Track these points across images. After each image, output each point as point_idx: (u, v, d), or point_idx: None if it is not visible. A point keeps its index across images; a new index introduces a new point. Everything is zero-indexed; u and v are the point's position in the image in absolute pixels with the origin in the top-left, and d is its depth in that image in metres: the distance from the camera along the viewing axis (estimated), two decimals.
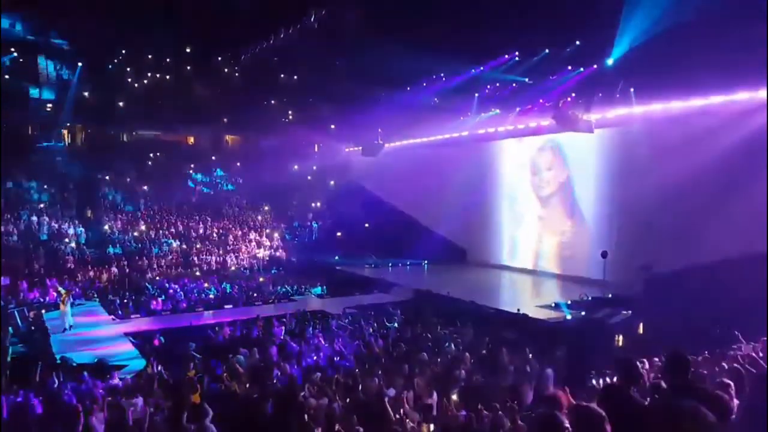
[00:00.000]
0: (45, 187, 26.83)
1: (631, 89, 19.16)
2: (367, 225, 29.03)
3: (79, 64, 28.90)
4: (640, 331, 14.09)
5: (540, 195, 23.86)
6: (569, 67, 21.73)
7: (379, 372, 9.81)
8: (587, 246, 21.43)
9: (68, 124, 30.88)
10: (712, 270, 14.99)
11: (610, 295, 17.83)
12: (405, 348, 12.00)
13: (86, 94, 30.76)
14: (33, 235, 23.49)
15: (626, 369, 4.07)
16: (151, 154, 32.45)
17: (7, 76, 29.58)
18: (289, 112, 35.77)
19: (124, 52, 29.92)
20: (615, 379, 9.40)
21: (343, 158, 34.64)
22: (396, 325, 14.85)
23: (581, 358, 11.08)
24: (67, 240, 23.71)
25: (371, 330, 14.24)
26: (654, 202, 17.99)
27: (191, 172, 32.01)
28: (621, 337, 13.40)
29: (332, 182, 33.21)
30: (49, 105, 30.65)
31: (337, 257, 26.34)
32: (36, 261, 21.72)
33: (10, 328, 14.78)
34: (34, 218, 24.39)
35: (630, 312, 15.47)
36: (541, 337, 13.31)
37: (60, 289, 16.70)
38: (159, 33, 26.49)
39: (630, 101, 19.06)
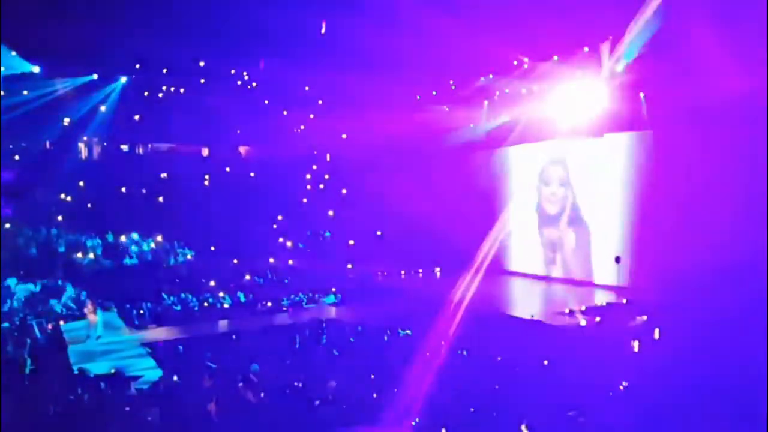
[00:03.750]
0: (63, 198, 27.24)
1: (641, 94, 19.16)
2: (379, 233, 29.11)
3: (95, 76, 29.34)
4: (656, 336, 14.01)
5: (551, 200, 23.77)
6: (578, 72, 21.66)
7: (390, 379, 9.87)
8: (600, 252, 21.33)
9: (85, 138, 31.37)
10: (726, 272, 14.92)
11: (624, 301, 17.75)
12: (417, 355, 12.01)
13: (102, 108, 31.23)
14: (51, 247, 23.90)
15: None
16: (167, 166, 32.78)
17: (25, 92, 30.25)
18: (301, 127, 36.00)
19: (138, 66, 30.29)
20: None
21: (354, 165, 34.84)
22: (409, 332, 14.86)
23: (597, 365, 11.06)
24: (84, 251, 24.08)
25: (385, 338, 14.28)
26: (666, 206, 17.91)
27: (205, 182, 32.30)
28: (637, 343, 13.33)
29: (344, 190, 33.34)
30: (67, 118, 31.18)
31: (349, 265, 26.39)
32: (55, 272, 22.06)
33: (28, 340, 15.02)
34: (54, 230, 24.85)
35: (646, 317, 15.40)
36: (556, 344, 13.27)
37: (87, 301, 16.91)
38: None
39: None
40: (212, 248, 26.25)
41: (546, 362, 11.18)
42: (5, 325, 16.40)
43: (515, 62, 23.09)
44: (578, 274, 22.39)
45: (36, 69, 26.65)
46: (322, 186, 33.65)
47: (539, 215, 24.49)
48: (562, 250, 23.21)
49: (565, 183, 23.07)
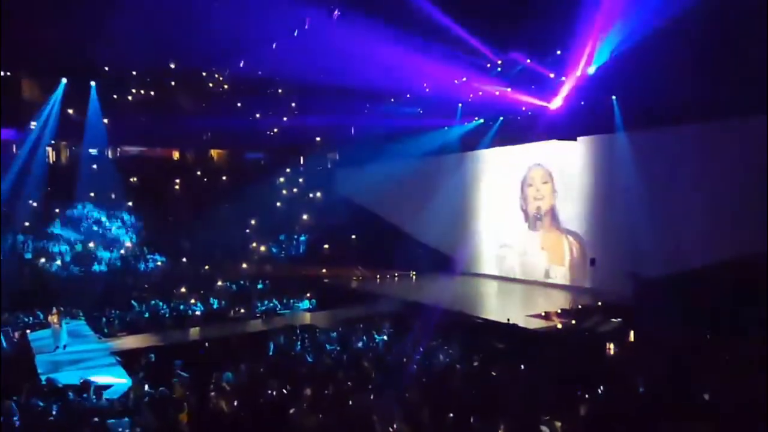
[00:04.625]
0: (29, 205, 26.50)
1: (613, 97, 19.43)
2: (354, 237, 29.01)
3: (63, 80, 28.73)
4: (631, 338, 14.15)
5: (527, 203, 23.94)
6: (551, 76, 21.97)
7: (369, 386, 9.74)
8: (575, 253, 21.54)
9: (52, 142, 30.66)
10: (700, 274, 15.19)
11: (599, 303, 17.92)
12: (395, 361, 11.93)
13: (70, 111, 30.58)
14: (18, 254, 23.23)
15: None
16: (136, 170, 32.20)
17: None
18: (275, 129, 35.79)
19: (107, 68, 29.73)
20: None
21: (329, 169, 34.75)
22: (385, 337, 14.77)
23: (572, 368, 11.10)
24: (51, 258, 23.45)
25: (360, 343, 14.15)
26: (641, 209, 18.16)
27: (176, 187, 31.77)
28: (612, 345, 13.44)
29: (318, 194, 33.18)
30: (33, 123, 30.44)
31: (324, 270, 26.22)
32: (21, 280, 21.43)
33: None
34: (20, 237, 24.16)
35: (620, 319, 15.56)
36: (531, 346, 13.30)
37: (53, 309, 16.35)
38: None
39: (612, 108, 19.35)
40: (183, 254, 25.77)
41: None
42: None
43: (488, 65, 23.24)
44: (553, 277, 22.57)
45: None
46: (295, 190, 33.44)
47: (514, 217, 24.63)
48: (540, 252, 23.37)
49: (545, 185, 23.21)
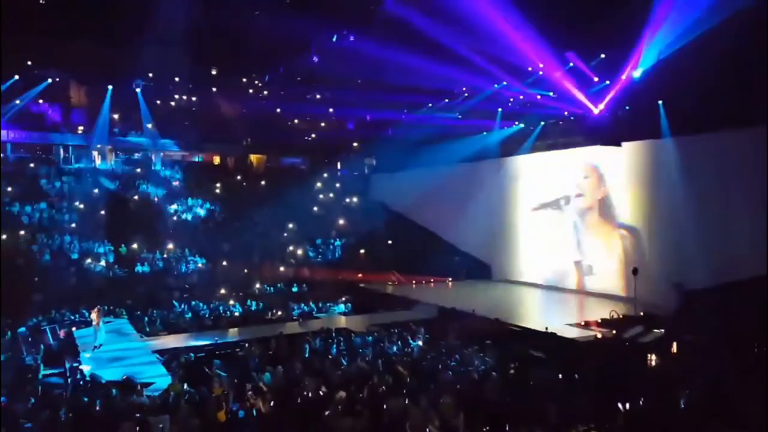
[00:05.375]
0: (76, 206, 27.44)
1: (660, 102, 18.93)
2: (390, 242, 29.03)
3: (110, 87, 29.73)
4: (674, 350, 13.72)
5: (567, 210, 23.50)
6: (596, 80, 21.56)
7: (404, 391, 9.69)
8: (617, 262, 21.04)
9: (98, 146, 31.73)
10: (747, 286, 14.64)
11: (641, 313, 17.45)
12: (430, 367, 11.85)
13: (116, 116, 31.66)
14: (65, 254, 24.06)
15: None
16: (178, 174, 33.04)
17: (41, 101, 30.68)
18: (312, 134, 36.24)
19: (151, 75, 30.61)
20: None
21: (366, 175, 34.92)
22: (420, 343, 14.69)
23: (612, 379, 10.82)
24: (96, 259, 24.20)
25: (395, 348, 14.11)
26: (686, 217, 17.64)
27: (216, 191, 32.39)
28: (654, 357, 13.05)
29: (355, 199, 33.35)
30: (81, 127, 31.61)
31: (360, 274, 26.32)
32: (67, 279, 22.17)
33: (41, 346, 15.05)
34: (67, 237, 25.03)
35: (663, 330, 15.11)
36: (570, 356, 13.03)
37: (95, 308, 16.85)
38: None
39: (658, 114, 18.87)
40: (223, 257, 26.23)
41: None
42: (21, 330, 16.49)
43: (530, 68, 22.94)
44: (594, 285, 22.08)
45: None
46: (332, 195, 33.67)
47: (552, 224, 24.21)
48: (577, 261, 22.92)
49: (582, 192, 22.76)
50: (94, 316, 16.02)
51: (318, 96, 34.45)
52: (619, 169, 20.93)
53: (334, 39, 27.12)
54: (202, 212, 30.23)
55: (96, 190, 28.96)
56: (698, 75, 16.33)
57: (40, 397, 10.18)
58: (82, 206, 27.37)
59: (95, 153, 32.01)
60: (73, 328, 17.45)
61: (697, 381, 10.18)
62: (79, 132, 31.53)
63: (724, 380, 10.26)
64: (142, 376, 12.51)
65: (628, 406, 9.06)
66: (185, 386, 10.53)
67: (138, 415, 8.73)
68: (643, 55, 18.80)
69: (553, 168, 24.07)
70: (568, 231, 23.33)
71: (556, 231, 23.92)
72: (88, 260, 23.87)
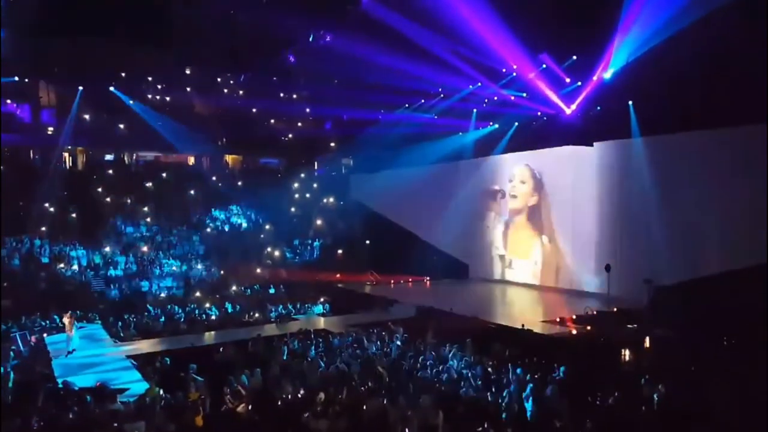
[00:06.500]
0: (46, 209, 26.85)
1: (630, 102, 19.27)
2: (368, 242, 29.04)
3: (80, 87, 29.14)
4: (647, 344, 13.99)
5: (541, 209, 23.78)
6: (568, 81, 21.86)
7: (383, 391, 9.72)
8: (590, 260, 21.35)
9: (69, 147, 31.08)
10: (716, 282, 15.00)
11: (615, 309, 17.76)
12: (408, 366, 11.89)
13: (87, 116, 31.03)
14: (35, 258, 23.54)
15: None
16: (152, 176, 32.54)
17: (8, 100, 29.93)
18: (289, 134, 36.00)
19: (123, 75, 30.12)
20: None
21: (343, 175, 34.83)
22: (399, 343, 14.72)
23: (587, 374, 11.00)
24: (68, 263, 23.73)
25: (374, 348, 14.11)
26: (656, 215, 18.00)
27: (191, 192, 32.00)
28: (627, 352, 13.30)
29: (332, 199, 33.26)
30: (50, 128, 30.92)
31: (338, 275, 26.25)
32: (38, 283, 21.70)
33: (11, 353, 14.68)
34: (37, 241, 24.49)
35: (636, 326, 15.40)
36: (546, 352, 13.19)
37: (67, 313, 16.50)
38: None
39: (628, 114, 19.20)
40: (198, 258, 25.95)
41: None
42: None
43: (504, 70, 23.15)
44: (568, 283, 22.40)
45: None
46: (308, 195, 33.53)
47: (526, 222, 24.50)
48: (555, 259, 23.23)
49: (555, 191, 23.10)
50: (66, 321, 15.70)
51: (294, 96, 34.29)
52: (590, 167, 21.25)
53: (311, 39, 27.08)
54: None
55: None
56: (667, 77, 16.68)
57: (10, 406, 9.95)
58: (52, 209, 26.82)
59: (66, 154, 31.37)
60: (44, 334, 17.10)
61: (668, 375, 10.42)
62: (49, 132, 30.84)
63: (695, 373, 10.51)
64: (116, 381, 12.30)
65: (599, 401, 9.26)
66: (161, 391, 10.39)
67: (114, 424, 8.59)
68: (613, 56, 19.14)
69: (525, 167, 24.48)
70: (541, 230, 23.76)
71: (530, 230, 24.30)
72: (60, 264, 23.40)
